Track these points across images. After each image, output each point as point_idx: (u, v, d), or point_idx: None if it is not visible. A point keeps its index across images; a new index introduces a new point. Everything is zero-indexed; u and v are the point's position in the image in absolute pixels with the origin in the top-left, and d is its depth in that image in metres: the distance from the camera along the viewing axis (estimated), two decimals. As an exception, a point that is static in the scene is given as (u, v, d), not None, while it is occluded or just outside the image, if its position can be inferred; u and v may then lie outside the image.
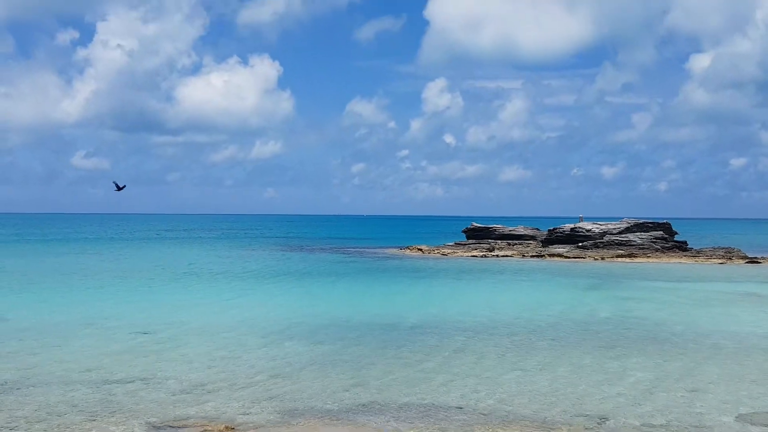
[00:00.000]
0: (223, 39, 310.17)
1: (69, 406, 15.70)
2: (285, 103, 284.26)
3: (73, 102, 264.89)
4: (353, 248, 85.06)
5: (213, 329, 25.91)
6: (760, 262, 62.40)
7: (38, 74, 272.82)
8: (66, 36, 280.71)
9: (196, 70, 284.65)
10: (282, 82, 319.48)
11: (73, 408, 15.53)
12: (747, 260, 63.52)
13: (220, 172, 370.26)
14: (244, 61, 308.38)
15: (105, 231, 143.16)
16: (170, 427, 14.45)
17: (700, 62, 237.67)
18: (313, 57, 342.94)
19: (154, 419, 14.83)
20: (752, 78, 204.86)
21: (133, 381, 17.89)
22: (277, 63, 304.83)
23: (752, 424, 14.79)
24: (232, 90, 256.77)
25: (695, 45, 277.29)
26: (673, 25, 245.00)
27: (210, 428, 14.29)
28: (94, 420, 14.73)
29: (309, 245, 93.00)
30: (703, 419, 15.08)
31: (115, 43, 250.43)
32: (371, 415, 15.25)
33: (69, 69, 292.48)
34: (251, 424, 14.57)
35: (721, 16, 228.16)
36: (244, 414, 15.27)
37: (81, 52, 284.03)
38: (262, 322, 27.93)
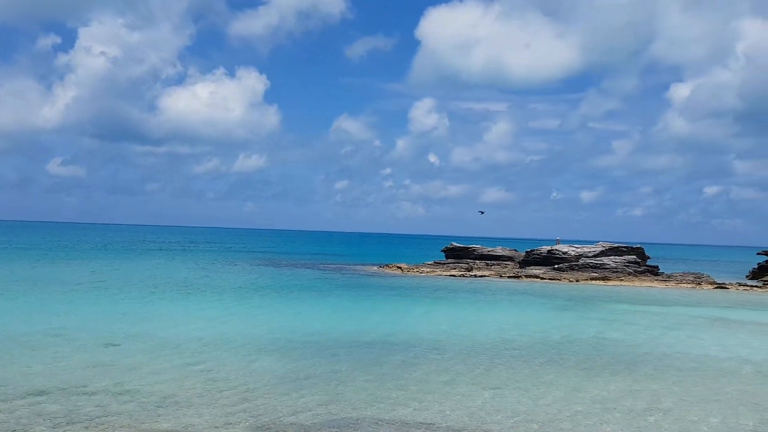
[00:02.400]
0: (211, 50, 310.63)
1: (35, 417, 15.68)
2: (271, 117, 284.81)
3: (52, 108, 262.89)
4: (333, 265, 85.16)
5: (188, 343, 25.93)
6: (727, 288, 63.46)
7: (18, 79, 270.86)
8: (47, 41, 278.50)
9: (180, 80, 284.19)
10: (269, 96, 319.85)
11: (40, 420, 15.50)
12: (715, 286, 64.57)
13: (201, 184, 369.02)
14: (231, 74, 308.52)
15: (80, 240, 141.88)
16: (143, 438, 14.53)
17: (681, 92, 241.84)
18: (302, 72, 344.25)
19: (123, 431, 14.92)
20: (731, 108, 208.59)
21: (102, 393, 17.90)
22: (264, 77, 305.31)
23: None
24: (217, 102, 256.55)
25: (677, 75, 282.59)
26: (657, 55, 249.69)
27: (183, 440, 14.38)
28: None
29: (288, 261, 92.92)
30: (667, 440, 15.47)
31: (98, 50, 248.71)
32: (345, 431, 15.45)
33: (50, 75, 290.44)
34: (224, 437, 14.69)
35: (702, 47, 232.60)
36: (215, 428, 15.38)
37: (62, 58, 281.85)
38: (238, 336, 27.98)
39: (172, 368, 21.31)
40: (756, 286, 65.24)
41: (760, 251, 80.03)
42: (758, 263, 79.59)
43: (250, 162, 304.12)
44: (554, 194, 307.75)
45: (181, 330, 29.11)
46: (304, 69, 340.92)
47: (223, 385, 19.36)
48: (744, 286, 65.81)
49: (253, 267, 77.17)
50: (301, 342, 27.00)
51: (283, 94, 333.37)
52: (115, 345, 24.86)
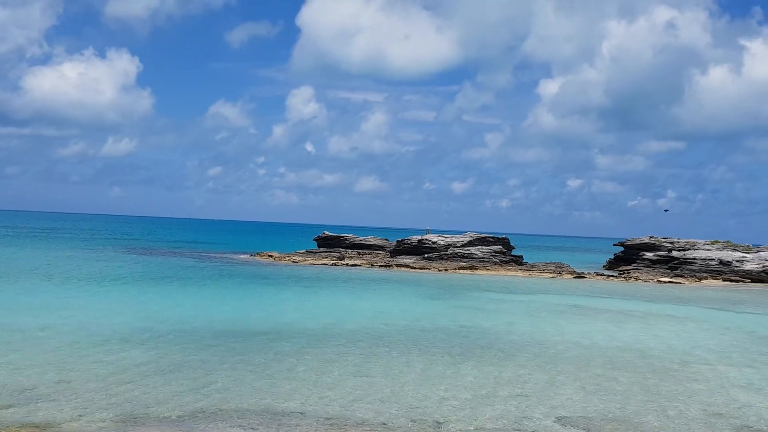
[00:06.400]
0: (83, 30, 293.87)
1: None
2: (144, 101, 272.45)
3: None
4: (203, 253, 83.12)
5: (48, 333, 24.55)
6: (585, 277, 67.33)
7: None
8: None
9: (47, 59, 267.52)
10: (142, 80, 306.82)
11: None
12: (575, 275, 68.30)
13: (66, 168, 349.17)
14: (101, 55, 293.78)
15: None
16: (-7, 435, 13.65)
17: (550, 88, 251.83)
18: (180, 56, 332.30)
19: (-24, 428, 13.94)
20: (596, 105, 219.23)
21: (-49, 387, 16.66)
22: (137, 59, 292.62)
23: (573, 426, 16.04)
24: (87, 83, 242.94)
25: (547, 71, 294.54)
26: (529, 52, 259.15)
27: (38, 436, 13.63)
28: None
29: (156, 248, 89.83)
30: (528, 423, 16.16)
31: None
32: (213, 422, 15.12)
33: None
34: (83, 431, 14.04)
35: (571, 46, 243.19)
36: (75, 421, 14.68)
37: None
38: (102, 327, 26.75)
39: (30, 360, 20.12)
40: (612, 276, 69.48)
41: (616, 242, 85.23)
42: (614, 254, 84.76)
43: (120, 146, 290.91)
44: (427, 185, 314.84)
45: (41, 320, 27.50)
46: (182, 53, 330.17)
47: (85, 376, 18.49)
48: (601, 275, 69.95)
49: (119, 254, 74.05)
50: (168, 332, 26.19)
51: (158, 78, 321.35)
52: (-38, 337, 23.15)
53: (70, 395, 16.60)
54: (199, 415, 15.58)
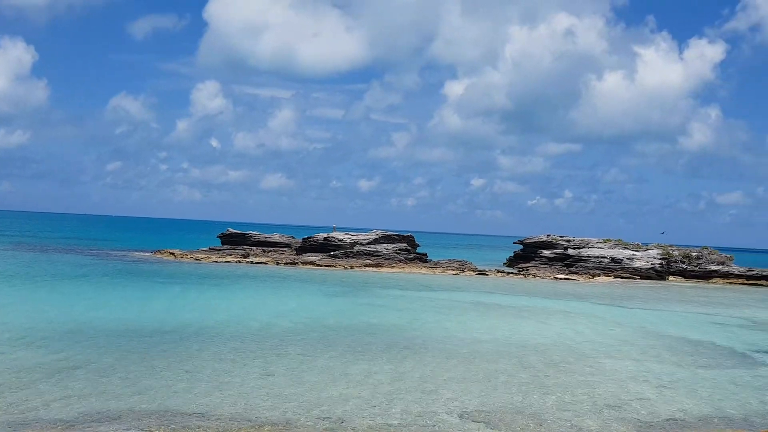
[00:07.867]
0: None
1: None
2: (39, 92, 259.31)
3: None
4: (100, 250, 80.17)
5: (-74, 335, 23.11)
6: (487, 274, 69.06)
7: None
8: None
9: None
10: (38, 69, 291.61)
11: None
12: (477, 272, 69.94)
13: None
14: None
15: None
16: None
17: (455, 89, 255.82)
18: (79, 47, 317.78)
19: None
20: (499, 107, 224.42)
21: None
22: (32, 48, 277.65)
23: (474, 420, 16.40)
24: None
25: (452, 73, 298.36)
26: (436, 54, 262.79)
27: None
28: None
29: (49, 245, 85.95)
30: (432, 418, 16.41)
31: None
32: (109, 424, 14.62)
33: None
34: (-33, 439, 13.29)
35: (476, 49, 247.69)
36: (-41, 428, 13.89)
37: None
38: (-12, 327, 25.41)
39: None
40: (512, 273, 71.52)
41: (516, 240, 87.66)
42: (514, 251, 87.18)
43: (11, 138, 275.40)
44: (334, 182, 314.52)
45: None
46: (81, 44, 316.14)
47: (-32, 381, 17.48)
48: (501, 272, 71.88)
49: (8, 251, 70.42)
50: (63, 333, 25.13)
51: (56, 69, 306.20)
52: None
53: (-48, 400, 15.68)
54: (94, 417, 15.03)
